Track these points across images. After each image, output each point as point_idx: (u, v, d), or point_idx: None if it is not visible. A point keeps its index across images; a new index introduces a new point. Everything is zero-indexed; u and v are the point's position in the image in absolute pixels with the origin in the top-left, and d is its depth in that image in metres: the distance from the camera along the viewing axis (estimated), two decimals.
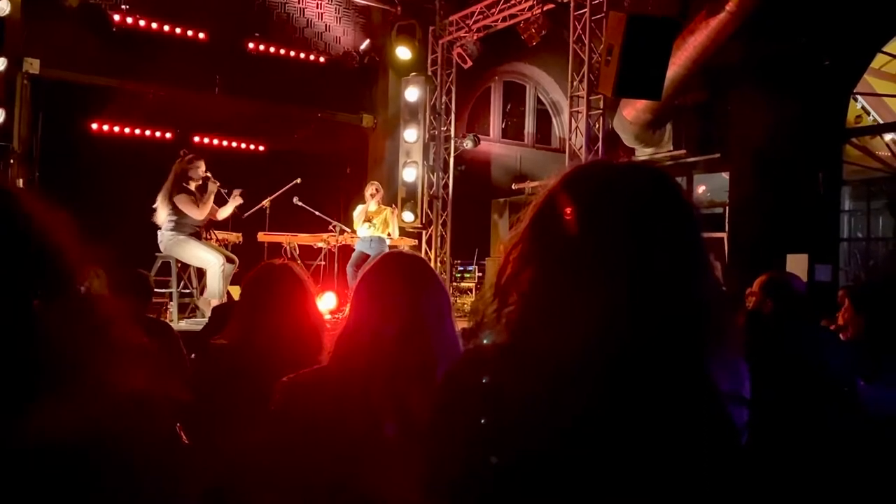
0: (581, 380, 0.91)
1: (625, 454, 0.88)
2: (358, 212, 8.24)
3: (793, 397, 2.86)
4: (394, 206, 8.96)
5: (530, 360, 0.95)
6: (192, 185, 6.55)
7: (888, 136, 10.11)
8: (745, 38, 8.29)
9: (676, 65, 7.83)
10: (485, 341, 0.98)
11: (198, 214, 6.47)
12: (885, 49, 9.35)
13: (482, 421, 0.95)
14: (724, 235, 10.11)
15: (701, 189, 11.72)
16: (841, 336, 3.72)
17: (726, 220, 10.27)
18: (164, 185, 6.50)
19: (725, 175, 10.68)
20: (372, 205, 8.24)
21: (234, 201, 6.90)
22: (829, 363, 3.06)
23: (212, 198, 6.57)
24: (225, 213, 6.92)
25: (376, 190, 8.30)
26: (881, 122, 10.33)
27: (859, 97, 9.94)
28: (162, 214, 6.48)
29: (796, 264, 8.61)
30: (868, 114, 10.36)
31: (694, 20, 7.94)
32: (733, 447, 0.94)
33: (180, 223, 6.49)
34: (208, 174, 6.64)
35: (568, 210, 0.98)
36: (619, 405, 0.90)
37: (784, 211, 9.08)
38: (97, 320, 0.89)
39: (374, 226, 8.20)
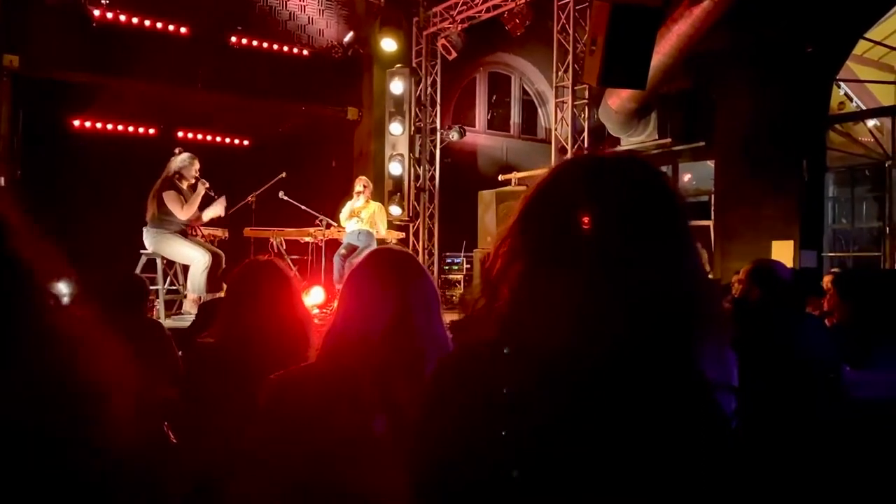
0: (571, 373, 0.91)
1: (617, 447, 0.88)
2: (345, 208, 8.23)
3: (780, 384, 2.88)
4: (382, 205, 8.89)
5: (520, 355, 0.95)
6: (185, 185, 6.51)
7: (871, 122, 10.18)
8: (729, 26, 8.31)
9: (661, 53, 7.83)
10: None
11: (181, 214, 6.42)
12: (867, 35, 9.40)
13: (472, 416, 0.95)
14: (709, 223, 10.17)
15: (686, 177, 11.77)
16: (826, 322, 3.75)
17: (712, 208, 10.32)
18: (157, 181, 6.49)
19: (711, 163, 10.72)
20: (360, 200, 8.22)
21: (218, 207, 6.83)
22: (816, 350, 3.08)
23: (198, 199, 6.51)
24: (207, 216, 6.86)
25: (363, 186, 8.28)
26: (864, 108, 10.40)
27: (842, 84, 10.00)
28: (150, 210, 6.45)
29: (782, 251, 8.68)
30: (851, 100, 10.43)
31: (678, 9, 7.95)
32: (724, 438, 0.94)
33: (166, 220, 6.46)
34: (198, 175, 6.59)
35: (557, 204, 0.98)
36: (609, 398, 0.90)
37: (769, 198, 9.14)
38: (72, 333, 0.88)
39: (361, 220, 8.20)
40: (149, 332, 3.55)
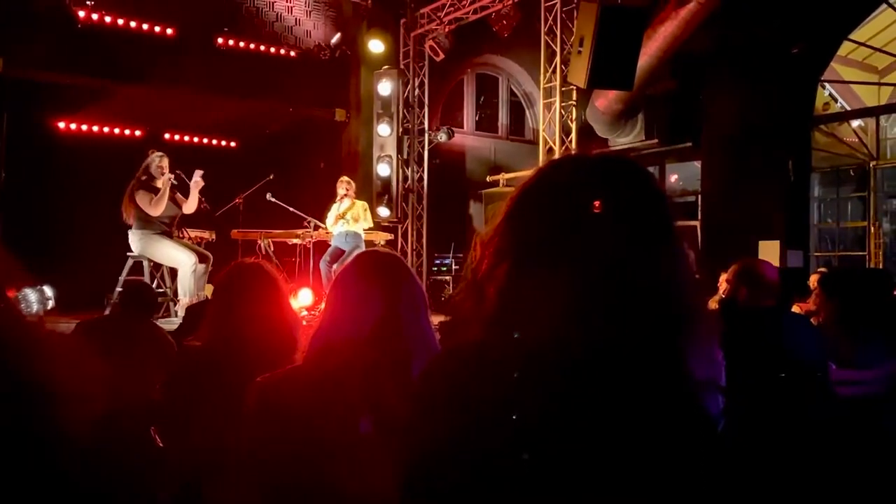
0: (556, 374, 0.91)
1: (601, 447, 0.88)
2: (330, 214, 8.21)
3: (768, 384, 2.89)
4: (365, 203, 8.83)
5: (506, 355, 0.94)
6: (159, 183, 6.47)
7: (855, 123, 10.27)
8: (714, 27, 8.37)
9: (647, 55, 7.87)
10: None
11: (151, 210, 6.38)
12: (851, 36, 9.48)
13: (456, 420, 0.95)
14: (696, 223, 10.22)
15: (673, 178, 11.83)
16: (813, 321, 3.77)
17: (699, 209, 10.38)
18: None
19: (697, 164, 10.78)
20: (344, 203, 8.20)
21: (195, 186, 6.75)
22: (803, 349, 3.10)
23: (166, 193, 6.46)
24: (192, 203, 6.77)
25: (346, 189, 8.26)
26: (848, 108, 10.49)
27: (827, 84, 10.09)
28: (129, 213, 6.41)
29: (768, 250, 8.74)
30: (836, 101, 10.52)
31: (664, 10, 8.00)
32: (710, 437, 0.95)
33: (149, 221, 6.42)
34: (164, 171, 6.54)
35: (543, 203, 0.98)
36: (594, 398, 0.90)
37: (755, 198, 9.20)
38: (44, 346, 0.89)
39: (347, 221, 8.17)
40: (153, 339, 3.56)
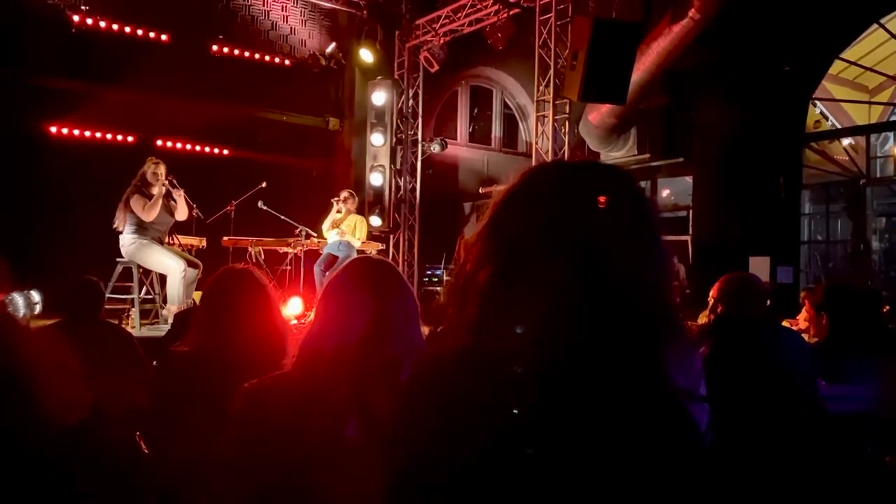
0: (536, 379, 0.91)
1: (584, 454, 0.88)
2: (327, 219, 8.22)
3: (757, 399, 2.89)
4: (363, 217, 8.83)
5: (488, 360, 0.94)
6: (154, 190, 6.45)
7: (846, 141, 10.36)
8: (707, 43, 8.43)
9: (640, 70, 7.92)
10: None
11: (145, 215, 6.35)
12: (842, 55, 9.57)
13: (442, 422, 0.94)
14: (687, 238, 10.25)
15: (665, 193, 11.87)
16: (804, 337, 3.78)
17: (690, 224, 10.42)
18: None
19: (689, 179, 10.83)
20: (342, 211, 8.20)
21: (176, 194, 6.67)
22: (792, 364, 3.10)
23: (160, 200, 6.44)
24: (182, 209, 6.72)
25: (345, 198, 8.26)
26: (839, 126, 10.58)
27: (818, 102, 10.17)
28: (120, 217, 6.38)
29: (758, 266, 8.77)
30: (826, 119, 10.61)
31: (657, 26, 8.05)
32: (695, 444, 0.94)
33: (141, 227, 6.39)
34: (159, 178, 6.51)
35: (525, 208, 0.98)
36: (575, 404, 0.90)
37: (746, 214, 9.25)
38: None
39: (342, 231, 8.18)
40: (110, 339, 3.49)
